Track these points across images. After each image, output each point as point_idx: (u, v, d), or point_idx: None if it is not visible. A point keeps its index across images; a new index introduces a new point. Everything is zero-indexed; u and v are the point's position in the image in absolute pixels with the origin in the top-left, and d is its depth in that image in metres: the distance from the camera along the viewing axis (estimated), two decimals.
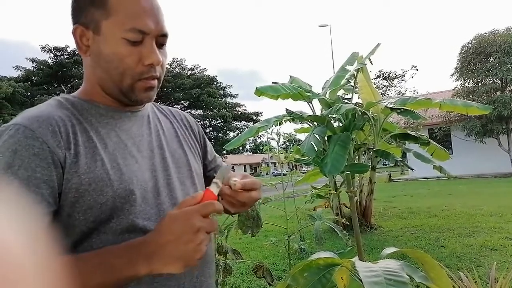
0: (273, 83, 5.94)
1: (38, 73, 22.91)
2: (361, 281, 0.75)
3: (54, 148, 0.67)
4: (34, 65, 22.87)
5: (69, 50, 22.56)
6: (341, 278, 1.02)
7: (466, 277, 2.30)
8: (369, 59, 6.07)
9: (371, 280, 0.70)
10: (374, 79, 18.76)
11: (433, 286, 0.76)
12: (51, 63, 22.80)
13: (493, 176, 15.71)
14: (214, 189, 0.70)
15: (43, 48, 22.62)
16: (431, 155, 6.14)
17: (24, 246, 0.24)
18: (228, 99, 26.45)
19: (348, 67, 6.35)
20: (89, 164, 0.70)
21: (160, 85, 0.82)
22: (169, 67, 23.93)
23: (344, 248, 2.74)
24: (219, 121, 25.12)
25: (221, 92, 25.91)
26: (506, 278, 2.25)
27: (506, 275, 2.31)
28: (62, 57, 22.87)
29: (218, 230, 0.64)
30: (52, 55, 22.88)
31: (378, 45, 6.24)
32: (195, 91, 23.55)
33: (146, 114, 0.87)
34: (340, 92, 6.74)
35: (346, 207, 6.32)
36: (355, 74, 6.09)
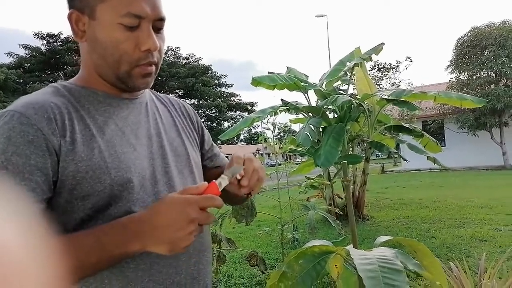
0: (269, 73, 5.92)
1: (30, 60, 22.58)
2: (355, 269, 0.76)
3: (49, 135, 0.67)
4: (26, 51, 22.52)
5: (62, 37, 22.22)
6: (335, 266, 1.04)
7: (456, 267, 2.34)
8: (370, 57, 6.03)
9: (365, 267, 0.71)
10: (369, 70, 18.75)
11: (426, 274, 0.78)
12: (44, 50, 22.46)
13: (484, 168, 15.89)
14: (220, 183, 0.71)
15: (36, 34, 22.26)
16: (424, 147, 6.19)
17: (17, 234, 0.24)
18: (223, 88, 26.31)
19: (348, 63, 6.32)
20: (86, 151, 0.70)
21: (158, 70, 0.81)
22: (164, 55, 23.68)
23: (337, 237, 2.77)
24: (214, 111, 25.02)
25: (216, 81, 25.75)
26: (495, 268, 2.29)
27: (495, 266, 2.35)
28: (55, 43, 22.54)
29: (212, 222, 0.68)
30: (45, 41, 22.53)
31: (382, 44, 6.17)
32: (190, 80, 23.39)
33: (144, 102, 0.86)
34: (336, 83, 6.74)
35: (339, 197, 6.37)
36: (353, 67, 6.09)
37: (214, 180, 0.71)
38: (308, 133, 4.80)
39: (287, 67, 6.76)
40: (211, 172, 0.98)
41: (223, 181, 0.71)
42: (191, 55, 25.78)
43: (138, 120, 0.82)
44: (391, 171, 19.36)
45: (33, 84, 19.23)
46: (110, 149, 0.73)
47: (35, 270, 0.24)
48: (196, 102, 24.91)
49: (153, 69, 0.78)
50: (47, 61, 22.34)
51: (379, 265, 0.70)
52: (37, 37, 22.30)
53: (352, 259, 0.78)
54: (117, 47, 0.73)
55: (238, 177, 0.74)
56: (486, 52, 15.78)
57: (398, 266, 0.69)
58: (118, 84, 0.78)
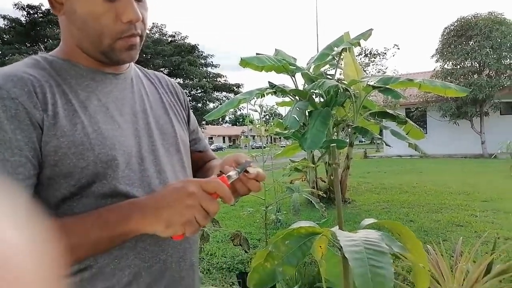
0: (257, 54, 5.86)
1: (10, 31, 21.78)
2: (339, 250, 0.77)
3: (31, 109, 0.64)
4: (5, 22, 21.70)
5: (43, 8, 21.45)
6: (320, 247, 1.06)
7: (434, 250, 2.42)
8: (358, 42, 6.05)
9: (351, 249, 0.73)
10: (356, 55, 18.81)
11: (409, 256, 0.80)
12: (24, 22, 21.69)
13: (463, 156, 16.32)
14: (230, 177, 0.70)
15: (15, 5, 21.42)
16: (407, 134, 6.30)
17: (9, 216, 0.24)
18: (209, 68, 26.00)
19: (336, 48, 6.31)
20: (69, 127, 0.67)
21: (143, 42, 0.78)
22: (148, 32, 23.08)
23: (319, 219, 2.82)
24: (199, 91, 24.78)
25: (202, 61, 25.41)
26: (470, 252, 2.38)
27: (470, 250, 2.44)
28: (36, 15, 21.76)
29: (216, 211, 0.66)
30: (25, 13, 21.74)
31: (371, 30, 6.19)
32: (176, 59, 23.01)
33: (129, 77, 0.83)
34: (323, 68, 6.74)
35: (322, 181, 6.46)
36: (341, 52, 6.08)
37: (223, 174, 0.70)
38: (295, 116, 4.82)
39: (276, 49, 6.70)
40: (193, 156, 0.96)
41: (233, 173, 0.71)
42: (177, 33, 25.32)
43: (123, 96, 0.79)
44: (373, 156, 19.68)
45: (12, 56, 18.62)
46: (93, 125, 0.70)
47: (32, 256, 0.23)
48: (181, 82, 24.58)
49: (137, 40, 0.75)
50: (27, 33, 21.58)
51: (364, 247, 0.72)
52: (17, 8, 21.50)
53: (338, 240, 0.79)
54: (97, 19, 0.70)
55: (251, 170, 0.73)
56: (471, 42, 15.98)
57: (383, 248, 0.70)
58: (101, 58, 0.75)
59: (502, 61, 15.60)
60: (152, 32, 24.10)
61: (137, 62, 0.89)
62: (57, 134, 0.66)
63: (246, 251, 2.66)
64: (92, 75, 0.75)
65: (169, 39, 24.79)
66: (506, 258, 2.90)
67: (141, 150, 0.77)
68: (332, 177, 5.87)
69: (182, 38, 25.32)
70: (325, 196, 4.96)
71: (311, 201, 2.91)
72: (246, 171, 0.73)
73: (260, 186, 0.77)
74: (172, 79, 0.99)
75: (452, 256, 2.62)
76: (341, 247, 0.75)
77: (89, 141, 0.68)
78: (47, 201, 0.68)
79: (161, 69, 23.89)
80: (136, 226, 0.65)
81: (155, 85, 0.90)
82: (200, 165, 0.99)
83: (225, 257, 3.81)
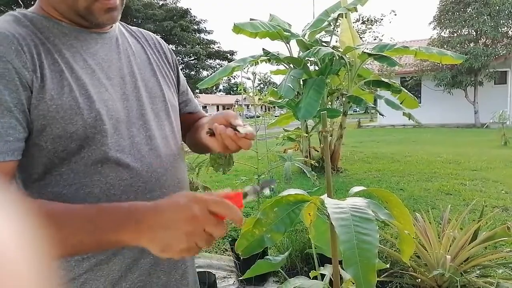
0: (251, 19, 5.71)
1: None
2: (328, 217, 0.78)
3: (20, 68, 0.61)
4: None
5: None
6: (309, 214, 1.07)
7: (422, 218, 2.47)
8: (355, 7, 5.90)
9: (338, 216, 0.73)
10: (353, 22, 18.45)
11: (396, 222, 0.81)
12: None
13: (456, 126, 16.44)
14: (246, 194, 0.61)
15: None
16: (401, 103, 6.29)
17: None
18: (202, 35, 25.39)
19: (332, 14, 6.15)
20: (56, 89, 0.64)
21: (124, 2, 0.74)
22: None
23: (311, 188, 2.85)
24: (192, 58, 24.31)
25: (195, 27, 24.75)
26: (457, 220, 2.44)
27: (458, 217, 2.50)
28: None
29: (222, 235, 0.57)
30: None
31: None
32: (167, 24, 22.36)
33: (114, 37, 0.79)
34: (319, 34, 6.60)
35: (315, 150, 6.49)
36: (337, 18, 5.94)
37: (241, 190, 0.62)
38: (290, 85, 4.76)
39: (270, 14, 6.53)
40: (184, 117, 0.94)
41: (250, 193, 0.61)
42: None
43: (109, 58, 0.75)
44: (367, 126, 19.75)
45: None
46: (81, 88, 0.67)
47: (22, 248, 0.22)
48: (174, 48, 24.04)
49: (116, 1, 0.71)
50: None
51: (351, 213, 0.72)
52: None
53: (326, 208, 0.79)
54: None
55: (242, 130, 0.70)
56: (469, 9, 15.71)
57: (369, 215, 0.71)
58: (81, 21, 0.71)
59: (499, 29, 15.41)
60: None
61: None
62: (45, 98, 0.63)
63: None
64: (75, 33, 0.71)
65: (160, 2, 24.00)
66: (492, 226, 2.98)
67: (130, 115, 0.74)
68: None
69: (174, 1, 24.54)
70: (317, 165, 4.99)
71: (304, 170, 2.93)
72: (236, 130, 0.71)
73: (250, 143, 0.74)
74: (158, 36, 0.94)
75: (440, 224, 2.69)
76: (329, 214, 0.75)
77: (77, 105, 0.66)
78: (35, 168, 0.66)
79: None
80: (128, 240, 0.58)
81: (141, 44, 0.86)
82: (192, 126, 0.97)
83: None
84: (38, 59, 0.64)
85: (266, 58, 5.68)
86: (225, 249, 3.37)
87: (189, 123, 0.96)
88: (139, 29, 0.91)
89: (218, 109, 61.82)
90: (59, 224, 0.57)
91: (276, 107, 7.38)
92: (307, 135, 5.84)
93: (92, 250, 0.64)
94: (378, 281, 2.19)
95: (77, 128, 0.65)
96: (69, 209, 0.60)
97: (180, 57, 23.80)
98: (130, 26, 0.89)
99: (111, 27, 0.79)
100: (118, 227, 0.58)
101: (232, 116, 0.75)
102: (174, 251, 0.56)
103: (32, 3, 0.70)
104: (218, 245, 3.45)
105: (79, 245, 0.58)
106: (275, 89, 5.69)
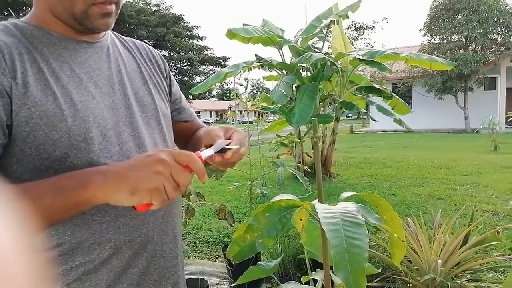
0: (244, 25, 5.74)
1: None
2: (319, 222, 0.78)
3: None
4: None
5: None
6: (300, 219, 1.07)
7: (413, 222, 2.49)
8: (347, 14, 5.96)
9: (328, 221, 0.74)
10: (345, 29, 18.61)
11: (386, 227, 0.82)
12: None
13: (447, 131, 16.62)
14: (204, 153, 0.70)
15: None
16: (393, 109, 6.34)
17: None
18: (195, 41, 25.44)
19: (324, 20, 6.21)
20: (40, 96, 0.65)
21: (119, 9, 0.75)
22: (131, 0, 22.38)
23: (304, 193, 2.86)
24: (185, 64, 24.34)
25: (188, 33, 24.81)
26: (448, 224, 2.46)
27: (448, 222, 2.52)
28: None
29: (187, 185, 0.62)
30: None
31: (359, 1, 6.09)
32: (160, 30, 22.41)
33: (105, 46, 0.80)
34: (312, 40, 6.65)
35: (308, 156, 6.51)
36: (329, 25, 6.00)
37: (197, 151, 0.70)
38: (283, 91, 4.78)
39: (263, 19, 6.57)
40: (179, 126, 0.94)
41: (207, 152, 0.71)
42: (161, 2, 24.53)
43: (98, 67, 0.76)
44: (359, 131, 19.87)
45: None
46: (65, 96, 0.68)
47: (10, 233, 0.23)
48: (167, 54, 24.05)
49: (113, 8, 0.72)
50: (5, 1, 20.61)
51: (341, 218, 0.73)
52: None
53: (317, 213, 0.80)
54: None
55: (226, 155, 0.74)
56: (458, 16, 15.97)
57: (359, 219, 0.72)
58: (75, 25, 0.72)
59: (489, 35, 15.70)
60: (136, 0, 23.31)
61: (122, 34, 0.85)
62: (28, 104, 0.63)
63: (231, 225, 2.69)
64: (65, 43, 0.72)
65: (153, 8, 24.04)
66: (482, 230, 3.01)
67: (119, 122, 0.74)
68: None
69: (167, 8, 24.60)
70: (310, 170, 5.01)
71: (296, 175, 2.94)
72: (224, 151, 0.73)
73: (241, 156, 0.77)
74: (150, 46, 0.96)
75: (431, 228, 2.71)
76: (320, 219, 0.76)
77: (61, 112, 0.66)
78: (24, 175, 0.65)
79: (146, 40, 23.26)
80: (95, 193, 0.60)
81: (133, 54, 0.87)
82: (189, 135, 0.97)
83: (211, 231, 3.86)
84: (21, 67, 0.64)
85: (259, 64, 5.71)
86: (218, 256, 3.36)
87: (185, 131, 0.97)
88: (132, 39, 0.92)
89: (211, 115, 61.80)
90: (29, 194, 0.59)
91: (269, 113, 7.40)
92: (299, 140, 5.86)
93: (65, 215, 0.63)
94: (371, 286, 2.20)
95: (61, 135, 0.65)
96: (35, 182, 0.62)
97: (173, 63, 23.81)
98: (123, 36, 0.90)
99: (104, 35, 0.80)
100: (82, 184, 0.60)
101: (216, 137, 0.78)
102: (143, 191, 0.59)
103: (24, 8, 0.71)
104: (211, 252, 3.44)
105: (50, 210, 0.59)
106: (268, 95, 5.71)
